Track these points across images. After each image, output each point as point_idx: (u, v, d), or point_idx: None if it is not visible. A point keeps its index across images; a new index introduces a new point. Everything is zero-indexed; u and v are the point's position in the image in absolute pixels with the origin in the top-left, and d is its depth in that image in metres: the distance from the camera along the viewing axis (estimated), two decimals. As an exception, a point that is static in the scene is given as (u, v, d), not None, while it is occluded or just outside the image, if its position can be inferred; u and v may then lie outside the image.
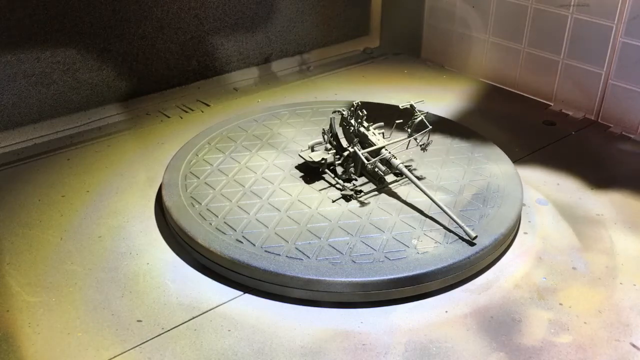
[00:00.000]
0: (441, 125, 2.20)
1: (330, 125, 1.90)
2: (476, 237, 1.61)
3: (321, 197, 1.80)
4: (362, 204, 1.77)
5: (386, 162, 1.82)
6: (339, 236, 1.64)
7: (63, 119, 2.38)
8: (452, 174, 1.92)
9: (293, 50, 2.97)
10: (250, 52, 2.82)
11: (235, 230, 1.65)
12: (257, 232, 1.65)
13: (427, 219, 1.71)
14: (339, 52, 3.10)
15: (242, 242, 1.61)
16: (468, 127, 2.23)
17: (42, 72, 2.28)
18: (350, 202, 1.78)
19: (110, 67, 2.44)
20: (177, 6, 2.52)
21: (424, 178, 1.89)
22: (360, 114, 1.87)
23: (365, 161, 1.78)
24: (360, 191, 1.82)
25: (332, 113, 1.91)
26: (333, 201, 1.78)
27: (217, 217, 1.71)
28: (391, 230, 1.66)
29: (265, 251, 1.58)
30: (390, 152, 1.83)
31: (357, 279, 1.50)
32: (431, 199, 1.70)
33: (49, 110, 2.35)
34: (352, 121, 1.87)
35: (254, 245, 1.60)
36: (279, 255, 1.56)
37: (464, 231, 1.62)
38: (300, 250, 1.58)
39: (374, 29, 3.22)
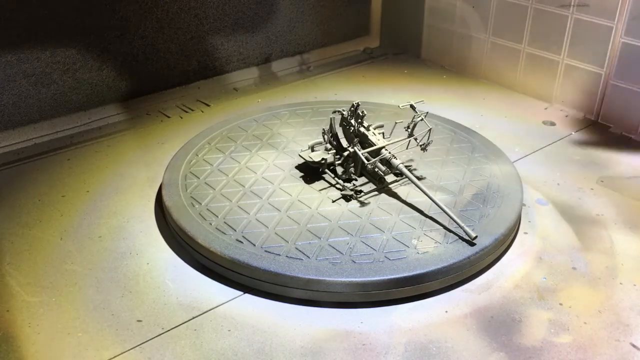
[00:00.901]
0: (441, 125, 2.20)
1: (330, 125, 1.90)
2: (476, 237, 1.61)
3: (321, 197, 1.80)
4: (362, 204, 1.77)
5: (386, 162, 1.82)
6: (339, 236, 1.64)
7: (63, 119, 2.38)
8: (452, 174, 1.92)
9: (293, 50, 2.97)
10: (250, 52, 2.82)
11: (235, 230, 1.65)
12: (257, 232, 1.65)
13: (427, 219, 1.71)
14: (339, 52, 3.10)
15: (242, 242, 1.61)
16: (468, 127, 2.23)
17: (42, 72, 2.28)
18: (350, 202, 1.78)
19: (110, 67, 2.44)
20: (177, 6, 2.52)
21: (424, 178, 1.89)
22: (360, 114, 1.87)
23: (365, 161, 1.78)
24: (360, 191, 1.82)
25: (332, 113, 1.91)
26: (333, 201, 1.78)
27: (217, 217, 1.71)
28: (391, 230, 1.66)
29: (265, 251, 1.58)
30: (390, 152, 1.83)
31: (357, 279, 1.50)
32: (431, 199, 1.70)
33: (49, 110, 2.35)
34: (352, 121, 1.87)
35: (254, 245, 1.60)
36: (279, 255, 1.56)
37: (464, 231, 1.62)
38: (300, 250, 1.58)
39: (374, 29, 3.22)
